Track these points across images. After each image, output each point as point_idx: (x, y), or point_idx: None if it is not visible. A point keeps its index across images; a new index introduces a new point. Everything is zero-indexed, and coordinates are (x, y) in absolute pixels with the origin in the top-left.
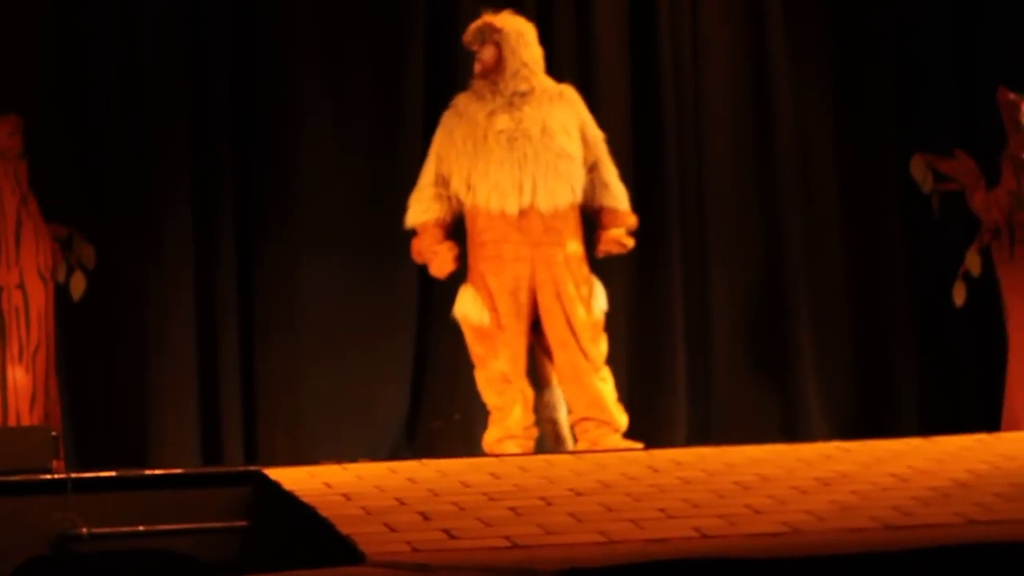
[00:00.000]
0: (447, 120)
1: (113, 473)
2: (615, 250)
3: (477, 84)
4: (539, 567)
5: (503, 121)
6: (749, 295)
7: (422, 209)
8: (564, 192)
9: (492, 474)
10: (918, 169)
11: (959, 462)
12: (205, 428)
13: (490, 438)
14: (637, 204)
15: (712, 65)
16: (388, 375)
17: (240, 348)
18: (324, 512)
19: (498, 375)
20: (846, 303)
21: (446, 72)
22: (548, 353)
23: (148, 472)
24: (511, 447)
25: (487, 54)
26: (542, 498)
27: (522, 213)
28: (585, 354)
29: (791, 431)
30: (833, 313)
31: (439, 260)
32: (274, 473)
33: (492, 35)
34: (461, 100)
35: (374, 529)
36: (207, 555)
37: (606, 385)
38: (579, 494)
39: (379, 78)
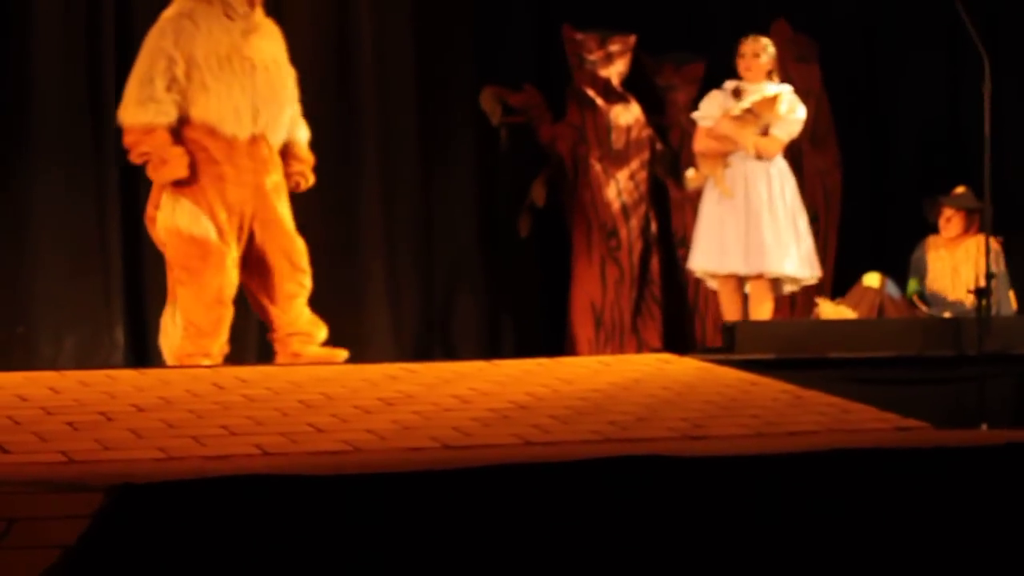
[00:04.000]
0: (178, 24)
1: None
2: (303, 185)
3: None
4: (93, 482)
5: (248, 48)
6: (325, 227)
7: (157, 110)
8: (284, 128)
9: (51, 388)
10: (487, 101)
11: (520, 385)
12: None
13: (183, 351)
14: None
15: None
16: None
17: None
18: None
19: (213, 293)
20: (418, 237)
21: None
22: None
23: None
24: (206, 362)
25: None
26: (102, 413)
27: (252, 140)
28: (300, 279)
29: (360, 353)
30: (406, 242)
31: (175, 164)
32: None
33: None
34: (194, 7)
35: None
36: None
37: (305, 303)
38: (141, 410)
39: None
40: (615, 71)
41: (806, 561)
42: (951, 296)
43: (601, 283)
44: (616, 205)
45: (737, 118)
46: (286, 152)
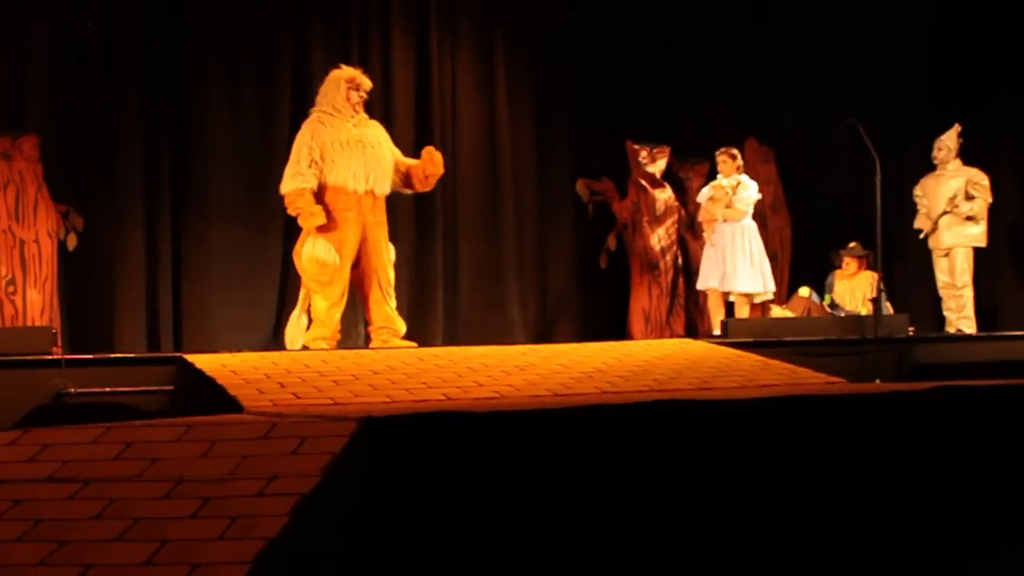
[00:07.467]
0: (313, 125)
1: (90, 356)
2: (432, 172)
3: (339, 107)
4: (348, 415)
5: (359, 135)
6: (483, 260)
7: (303, 179)
8: (386, 184)
9: (324, 360)
10: (581, 187)
11: (599, 357)
12: (149, 328)
13: (312, 335)
14: (416, 203)
15: (464, 123)
16: (262, 299)
17: (172, 280)
18: (219, 380)
19: (334, 298)
20: (538, 267)
21: (302, 99)
22: (361, 286)
23: (112, 355)
24: (323, 344)
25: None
26: (352, 375)
27: (365, 194)
28: (383, 287)
29: (503, 338)
30: (532, 273)
31: (317, 216)
32: (190, 357)
33: (366, 85)
34: (321, 115)
35: (250, 392)
36: (147, 406)
37: (393, 306)
38: (376, 373)
39: (259, 102)
40: (657, 168)
41: (768, 465)
42: (848, 307)
43: (648, 296)
44: (657, 248)
45: (711, 199)
46: (409, 174)
